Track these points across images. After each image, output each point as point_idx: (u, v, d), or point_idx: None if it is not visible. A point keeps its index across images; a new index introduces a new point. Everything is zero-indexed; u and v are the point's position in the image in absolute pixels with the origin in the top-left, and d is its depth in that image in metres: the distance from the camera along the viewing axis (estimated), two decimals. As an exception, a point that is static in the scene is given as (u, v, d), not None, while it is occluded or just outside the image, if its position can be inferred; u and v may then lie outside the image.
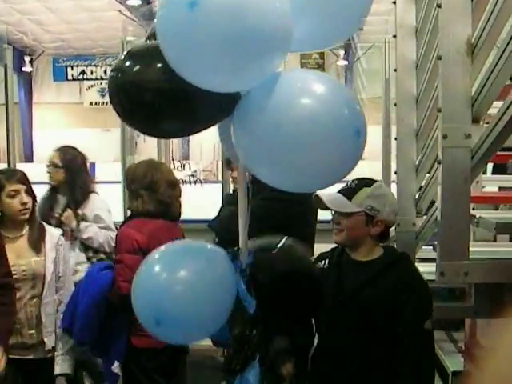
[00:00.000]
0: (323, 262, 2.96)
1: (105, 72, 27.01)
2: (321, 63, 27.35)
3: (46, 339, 3.76)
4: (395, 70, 4.09)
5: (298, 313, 2.82)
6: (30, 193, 3.79)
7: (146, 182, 3.77)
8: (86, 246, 4.73)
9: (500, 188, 5.21)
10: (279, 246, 2.79)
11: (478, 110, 2.77)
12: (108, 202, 4.97)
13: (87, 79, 30.15)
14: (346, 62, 26.88)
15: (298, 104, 2.20)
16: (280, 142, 2.17)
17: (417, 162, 3.91)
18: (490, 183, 5.27)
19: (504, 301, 3.02)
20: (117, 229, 4.16)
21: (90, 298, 3.71)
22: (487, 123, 2.81)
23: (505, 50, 2.45)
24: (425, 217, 3.68)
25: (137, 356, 3.77)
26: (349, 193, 2.80)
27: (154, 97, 2.24)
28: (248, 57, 2.09)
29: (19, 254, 3.71)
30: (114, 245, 4.70)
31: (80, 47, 28.53)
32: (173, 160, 14.32)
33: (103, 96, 27.82)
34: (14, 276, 3.57)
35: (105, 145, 27.49)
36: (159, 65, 2.24)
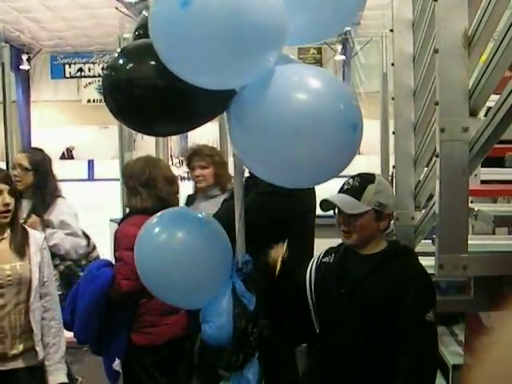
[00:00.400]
0: (329, 256, 2.95)
1: (103, 69, 26.99)
2: (318, 58, 27.34)
3: (37, 348, 3.46)
4: (392, 64, 4.09)
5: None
6: (13, 194, 3.50)
7: (144, 178, 3.76)
8: (52, 254, 4.13)
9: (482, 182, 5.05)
10: None
11: (475, 102, 2.77)
12: (74, 208, 4.72)
13: (85, 77, 30.15)
14: (343, 57, 26.87)
15: (293, 99, 2.20)
16: (276, 137, 2.17)
17: (415, 156, 3.91)
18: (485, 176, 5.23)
19: (503, 293, 3.03)
20: (118, 224, 4.12)
21: (89, 296, 3.70)
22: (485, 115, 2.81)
23: (501, 42, 2.45)
24: (423, 210, 3.68)
25: (137, 353, 3.77)
26: (356, 192, 2.78)
27: (148, 94, 2.24)
28: (242, 54, 2.09)
29: (2, 259, 3.43)
30: (81, 252, 4.62)
31: (77, 45, 28.53)
32: (171, 157, 14.33)
33: (101, 93, 27.76)
34: None
35: (103, 142, 27.52)
36: (153, 62, 2.24)
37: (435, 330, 2.79)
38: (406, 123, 3.97)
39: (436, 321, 2.78)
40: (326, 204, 2.81)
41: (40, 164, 4.57)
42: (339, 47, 26.45)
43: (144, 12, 2.65)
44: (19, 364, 3.45)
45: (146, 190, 3.76)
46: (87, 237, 4.73)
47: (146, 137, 6.52)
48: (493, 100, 2.82)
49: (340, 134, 2.22)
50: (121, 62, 2.33)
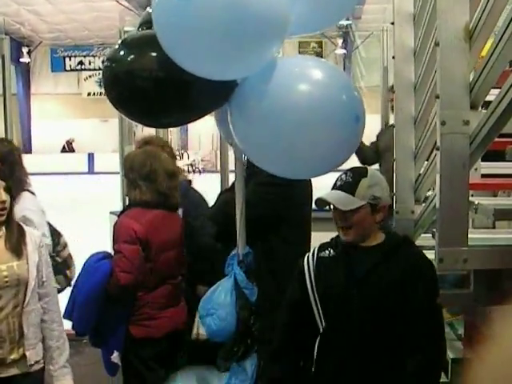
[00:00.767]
0: (327, 251, 2.94)
1: (103, 62, 26.97)
2: (319, 52, 27.35)
3: (27, 353, 3.25)
4: (393, 58, 4.08)
5: None
6: (9, 191, 3.32)
7: (145, 171, 3.75)
8: None
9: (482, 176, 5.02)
10: None
11: (476, 96, 2.77)
12: (41, 204, 4.45)
13: (85, 70, 30.18)
14: (344, 51, 26.89)
15: (296, 90, 2.19)
16: (278, 128, 2.17)
17: (415, 150, 3.91)
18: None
19: (503, 287, 3.03)
20: (118, 217, 4.09)
21: (88, 289, 3.70)
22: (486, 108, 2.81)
23: (502, 36, 2.45)
24: (423, 204, 3.68)
25: (135, 346, 3.77)
26: (349, 188, 2.76)
27: (149, 85, 2.23)
28: (244, 44, 2.08)
29: None
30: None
31: (78, 37, 28.53)
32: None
33: (101, 86, 27.61)
34: None
35: (103, 135, 27.53)
36: (154, 53, 2.23)
37: (442, 314, 2.85)
38: (407, 117, 3.96)
39: (441, 305, 2.82)
40: (322, 202, 2.81)
41: (7, 155, 4.35)
42: (340, 41, 26.46)
43: (148, 8, 2.65)
44: (19, 370, 3.27)
45: (145, 183, 3.75)
46: (59, 234, 4.65)
47: (146, 130, 6.49)
48: (493, 94, 2.82)
49: (342, 125, 2.21)
50: (122, 53, 2.33)
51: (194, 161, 24.15)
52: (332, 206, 2.81)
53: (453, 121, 2.74)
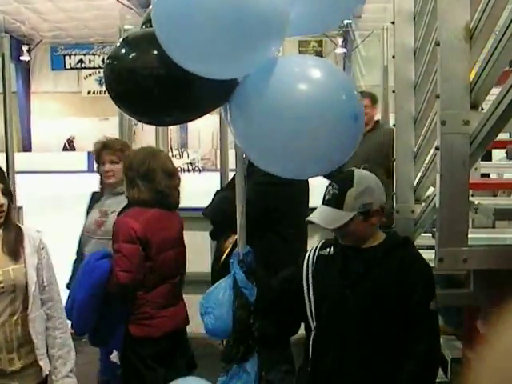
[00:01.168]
0: (328, 249, 2.93)
1: (103, 61, 26.93)
2: (319, 51, 27.34)
3: (41, 363, 3.11)
4: (393, 57, 4.08)
5: None
6: (7, 193, 3.13)
7: (143, 170, 3.74)
8: None
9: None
10: None
11: (476, 96, 2.77)
12: None
13: (85, 68, 30.19)
14: (344, 50, 26.88)
15: (295, 89, 2.19)
16: (278, 127, 2.17)
17: (415, 149, 3.91)
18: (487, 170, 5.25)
19: (503, 287, 3.03)
20: (118, 216, 4.09)
21: (87, 288, 3.70)
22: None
23: (503, 35, 2.44)
24: (423, 204, 3.68)
25: (135, 345, 3.77)
26: (336, 202, 2.72)
27: (150, 83, 2.23)
28: (244, 43, 2.08)
29: None
30: None
31: (78, 36, 28.53)
32: (171, 148, 14.32)
33: (101, 85, 27.85)
34: None
35: (103, 134, 27.51)
36: (155, 52, 2.23)
37: (438, 318, 2.84)
38: (407, 116, 3.96)
39: (438, 309, 2.80)
40: (311, 222, 2.80)
41: None
42: (340, 40, 26.45)
43: (151, 7, 2.65)
44: (20, 382, 3.08)
45: (144, 182, 3.74)
46: None
47: (145, 128, 6.47)
48: (493, 94, 2.81)
49: (341, 124, 2.21)
50: (124, 50, 2.32)
51: (193, 159, 24.14)
52: None
53: (453, 121, 2.74)
